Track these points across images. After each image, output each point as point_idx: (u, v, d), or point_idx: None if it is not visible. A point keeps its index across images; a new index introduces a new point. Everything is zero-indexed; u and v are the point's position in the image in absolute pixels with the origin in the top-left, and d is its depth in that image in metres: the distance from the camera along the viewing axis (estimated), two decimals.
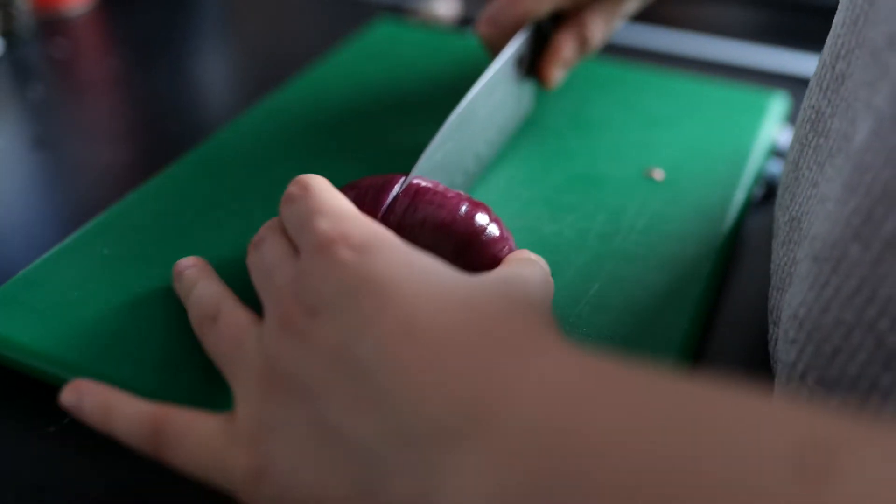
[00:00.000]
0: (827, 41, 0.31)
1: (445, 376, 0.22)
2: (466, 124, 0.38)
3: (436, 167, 0.36)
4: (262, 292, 0.28)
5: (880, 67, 0.25)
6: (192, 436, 0.26)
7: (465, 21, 0.63)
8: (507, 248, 0.32)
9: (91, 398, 0.27)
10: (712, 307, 0.37)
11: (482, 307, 0.24)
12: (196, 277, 0.31)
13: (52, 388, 0.32)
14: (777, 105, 0.49)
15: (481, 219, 0.32)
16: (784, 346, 0.27)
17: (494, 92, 0.40)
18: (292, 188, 0.29)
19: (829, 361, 0.25)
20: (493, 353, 0.22)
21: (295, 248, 0.28)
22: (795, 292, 0.27)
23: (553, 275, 0.35)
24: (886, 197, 0.23)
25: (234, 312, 0.28)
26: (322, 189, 0.28)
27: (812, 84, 0.33)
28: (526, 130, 0.46)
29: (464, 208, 0.32)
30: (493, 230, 0.32)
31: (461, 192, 0.33)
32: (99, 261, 0.35)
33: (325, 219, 0.27)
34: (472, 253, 0.31)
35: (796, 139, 0.34)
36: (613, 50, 0.60)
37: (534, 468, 0.19)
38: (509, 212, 0.39)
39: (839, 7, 0.31)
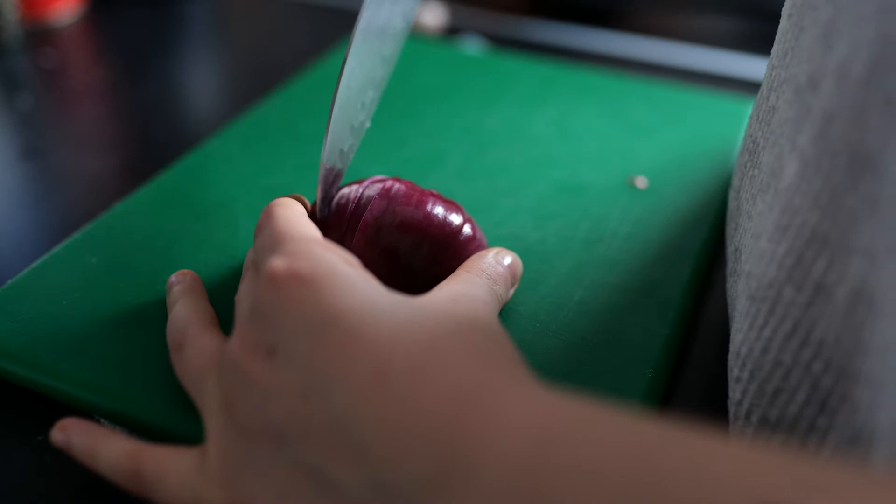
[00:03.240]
0: (765, 71, 0.32)
1: (419, 429, 0.22)
2: (351, 90, 0.34)
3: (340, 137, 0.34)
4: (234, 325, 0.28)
5: (803, 106, 0.25)
6: (168, 474, 0.26)
7: (452, 30, 0.64)
8: (479, 247, 0.33)
9: (77, 438, 0.28)
10: (694, 313, 0.38)
11: (445, 344, 0.24)
12: (177, 296, 0.31)
13: (40, 397, 0.32)
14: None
15: (456, 219, 0.32)
16: (731, 383, 0.28)
17: (368, 46, 0.36)
18: (261, 216, 0.29)
19: (771, 402, 0.25)
20: (460, 399, 0.22)
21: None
22: (737, 329, 0.27)
23: (537, 282, 0.36)
24: (815, 241, 0.23)
25: (198, 341, 0.28)
26: (280, 216, 0.28)
27: (752, 112, 0.33)
28: (510, 139, 0.46)
29: (439, 209, 0.32)
30: (467, 230, 0.33)
31: (433, 191, 0.33)
32: (87, 270, 0.35)
33: (276, 250, 0.26)
34: (449, 253, 0.32)
35: (738, 167, 0.34)
36: (597, 59, 0.61)
37: None
38: (493, 220, 0.40)
39: (776, 38, 0.31)
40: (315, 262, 0.25)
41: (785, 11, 0.30)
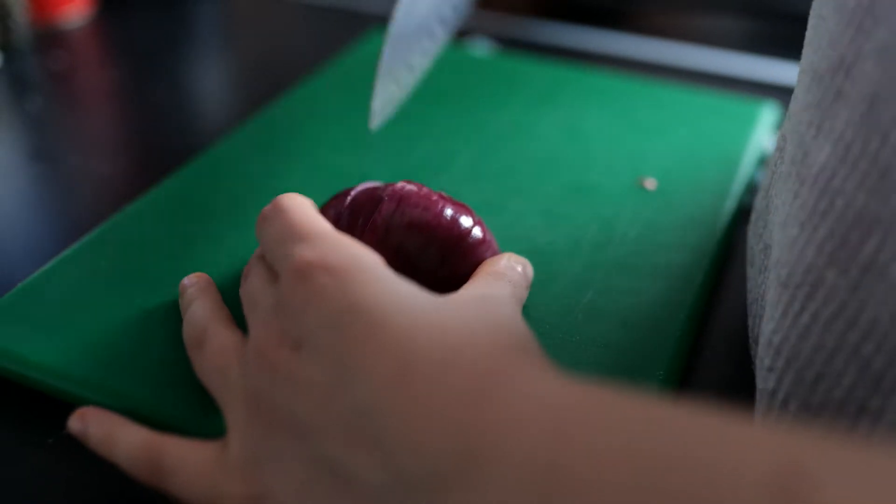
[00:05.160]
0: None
1: (441, 421, 0.22)
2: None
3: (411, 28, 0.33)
4: (248, 321, 0.28)
5: (829, 91, 0.25)
6: (186, 466, 0.26)
7: (461, 32, 0.64)
8: (490, 250, 0.33)
9: (95, 427, 0.28)
10: (704, 315, 0.38)
11: (467, 338, 0.24)
12: (193, 297, 0.31)
13: (50, 399, 0.32)
14: (767, 114, 0.50)
15: (465, 221, 0.32)
16: (762, 373, 0.27)
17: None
18: (266, 208, 0.28)
19: (812, 387, 0.25)
20: (481, 391, 0.22)
21: (274, 274, 0.28)
22: (768, 320, 0.27)
23: (546, 284, 0.36)
24: (861, 221, 0.23)
25: (219, 337, 0.28)
26: (295, 209, 0.28)
27: (787, 111, 0.33)
28: (518, 140, 0.46)
29: (448, 211, 0.32)
30: (478, 232, 0.32)
31: (443, 193, 0.33)
32: (97, 273, 0.35)
33: (299, 242, 0.26)
34: (458, 255, 0.32)
35: (768, 166, 0.34)
36: (605, 60, 0.60)
37: (530, 502, 0.20)
38: (502, 222, 0.40)
39: (805, 39, 0.31)
40: (344, 254, 0.25)
41: (812, 10, 0.30)
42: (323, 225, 0.27)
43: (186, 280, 0.33)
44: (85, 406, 0.29)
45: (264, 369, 0.25)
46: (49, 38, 0.61)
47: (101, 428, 0.28)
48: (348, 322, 0.23)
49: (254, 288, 0.28)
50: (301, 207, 0.28)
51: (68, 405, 0.32)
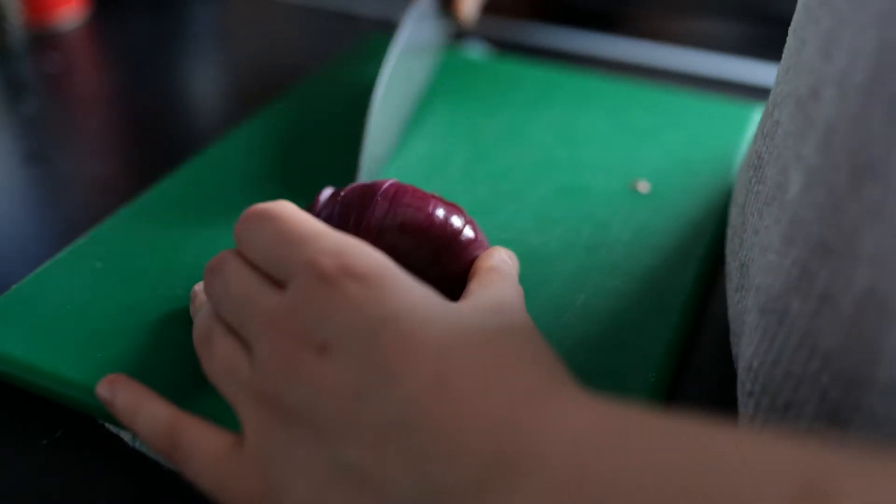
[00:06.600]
0: (772, 87, 0.32)
1: (477, 430, 0.22)
2: (388, 104, 0.36)
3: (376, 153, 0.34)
4: (236, 323, 0.27)
5: (806, 118, 0.25)
6: (202, 452, 0.26)
7: (455, 35, 0.64)
8: (481, 248, 0.33)
9: (123, 395, 0.28)
10: (696, 318, 0.38)
11: (497, 347, 0.24)
12: (204, 302, 0.31)
13: (45, 401, 0.32)
14: (759, 118, 0.50)
15: (457, 221, 0.33)
16: (742, 398, 0.28)
17: (405, 64, 0.38)
18: (250, 212, 0.27)
19: (783, 416, 0.25)
20: (517, 403, 0.23)
21: (265, 276, 0.27)
22: (747, 343, 0.28)
23: (539, 286, 0.36)
24: (819, 251, 0.23)
25: (226, 338, 0.28)
26: (291, 213, 0.27)
27: (757, 129, 0.33)
28: (512, 143, 0.46)
29: (440, 211, 0.32)
30: (469, 232, 0.33)
31: (435, 194, 0.33)
32: (92, 275, 0.36)
33: (311, 246, 0.26)
34: (450, 255, 0.32)
35: (742, 184, 0.34)
36: (599, 63, 0.61)
37: None
38: (496, 224, 0.40)
39: (783, 55, 0.31)
40: (366, 259, 0.25)
41: (791, 28, 0.30)
42: (320, 226, 0.27)
43: (197, 286, 0.32)
44: (115, 373, 0.29)
45: (284, 370, 0.25)
46: (44, 39, 0.61)
47: (128, 397, 0.28)
48: (382, 329, 0.23)
49: (240, 289, 0.27)
50: (291, 211, 0.27)
51: (63, 407, 0.32)
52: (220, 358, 0.27)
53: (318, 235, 0.26)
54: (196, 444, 0.26)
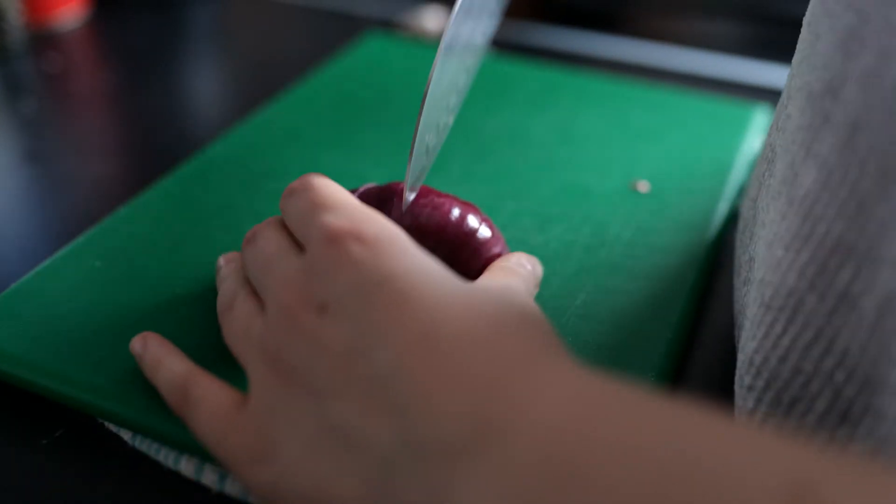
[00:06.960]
0: (786, 80, 0.32)
1: (461, 390, 0.22)
2: (434, 107, 0.36)
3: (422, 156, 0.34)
4: (259, 285, 0.28)
5: (819, 114, 0.25)
6: (207, 404, 0.27)
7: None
8: (497, 245, 0.33)
9: (151, 351, 0.29)
10: (696, 318, 0.38)
11: (491, 317, 0.24)
12: (228, 273, 0.31)
13: (44, 400, 0.32)
14: (759, 118, 0.50)
15: (473, 221, 0.33)
16: (741, 392, 0.28)
17: (451, 62, 0.38)
18: (294, 183, 0.29)
19: (788, 411, 0.25)
20: (504, 367, 0.22)
21: (296, 243, 0.28)
22: (749, 338, 0.27)
23: (540, 286, 0.36)
24: (839, 250, 0.23)
25: (247, 301, 0.29)
26: (323, 185, 0.28)
27: (773, 122, 0.33)
28: (512, 143, 0.46)
29: (456, 211, 0.33)
30: (485, 231, 0.33)
31: (450, 194, 0.34)
32: (91, 274, 0.36)
33: (332, 212, 0.27)
34: (467, 254, 0.32)
35: (756, 177, 0.34)
36: (599, 63, 0.61)
37: (541, 482, 0.20)
38: (496, 223, 0.40)
39: (797, 47, 0.31)
40: (378, 226, 0.26)
41: (805, 20, 0.30)
42: (351, 198, 0.28)
43: (222, 259, 0.32)
44: (150, 332, 0.30)
45: (286, 328, 0.25)
46: (43, 40, 0.61)
47: (154, 353, 0.29)
48: (377, 290, 0.24)
49: (267, 252, 0.28)
50: (328, 183, 0.29)
51: (63, 407, 0.32)
52: (238, 319, 0.28)
53: (343, 204, 0.27)
54: (204, 398, 0.27)
